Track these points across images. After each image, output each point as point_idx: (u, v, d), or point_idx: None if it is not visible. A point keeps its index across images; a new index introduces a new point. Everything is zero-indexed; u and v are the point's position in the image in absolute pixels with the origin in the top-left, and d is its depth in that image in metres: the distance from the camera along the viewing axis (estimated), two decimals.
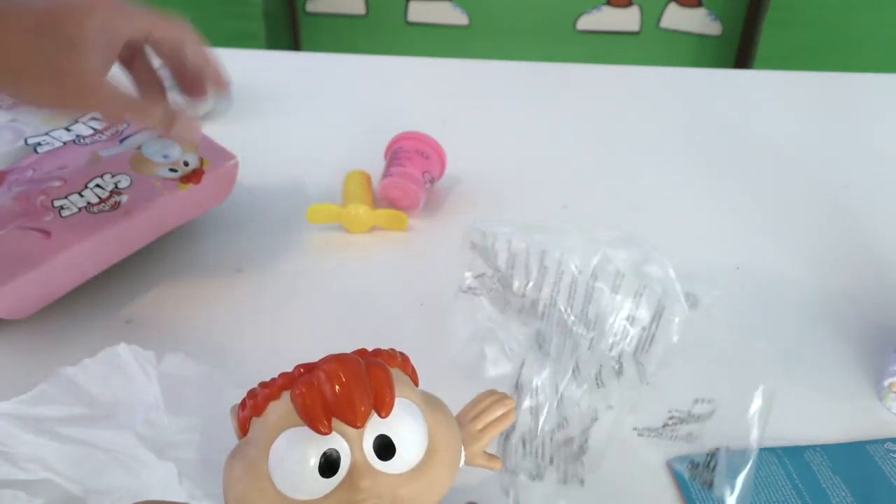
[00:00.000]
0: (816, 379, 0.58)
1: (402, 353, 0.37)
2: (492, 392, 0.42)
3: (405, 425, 0.34)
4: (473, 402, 0.41)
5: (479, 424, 0.40)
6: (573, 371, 0.48)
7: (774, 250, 0.74)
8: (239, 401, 0.35)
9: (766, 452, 0.52)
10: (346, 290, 0.67)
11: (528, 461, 0.47)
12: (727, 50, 1.98)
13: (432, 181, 0.78)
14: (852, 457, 0.53)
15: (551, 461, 0.47)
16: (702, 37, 1.98)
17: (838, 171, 0.88)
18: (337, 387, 0.32)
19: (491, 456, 0.40)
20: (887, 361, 0.58)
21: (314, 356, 0.38)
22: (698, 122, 0.98)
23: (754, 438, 0.47)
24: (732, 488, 0.47)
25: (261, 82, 1.06)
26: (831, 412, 0.51)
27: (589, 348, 0.49)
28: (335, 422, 0.31)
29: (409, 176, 0.75)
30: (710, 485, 0.49)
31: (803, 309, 0.66)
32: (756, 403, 0.47)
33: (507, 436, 0.47)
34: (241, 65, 1.13)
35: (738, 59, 1.97)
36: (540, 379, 0.47)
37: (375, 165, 0.79)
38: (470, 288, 0.53)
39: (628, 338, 0.49)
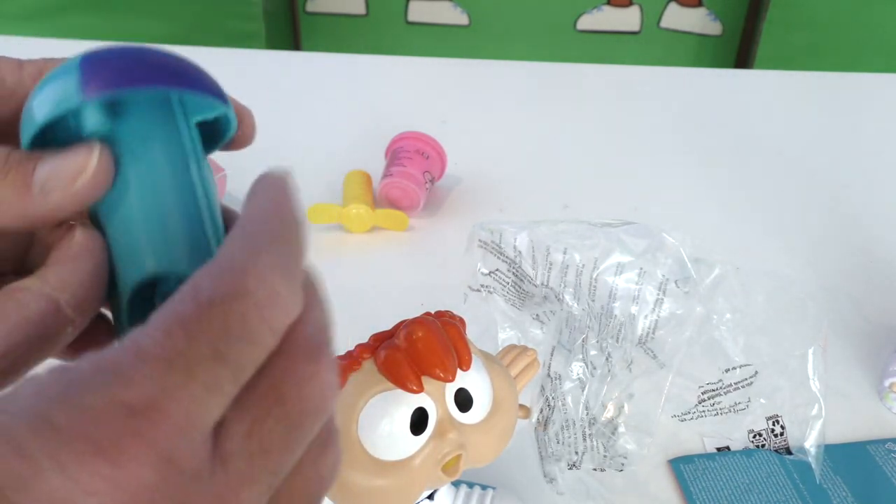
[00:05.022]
0: None
1: (457, 315, 0.39)
2: (513, 346, 0.43)
3: (478, 378, 0.36)
4: (499, 356, 0.42)
5: (511, 374, 0.42)
6: (606, 359, 0.48)
7: (774, 250, 0.74)
8: None
9: (766, 453, 0.52)
10: (346, 290, 0.67)
11: (564, 450, 0.48)
12: (727, 50, 1.98)
13: (432, 181, 0.78)
14: (853, 457, 0.53)
15: (586, 450, 0.48)
16: (702, 37, 1.98)
17: (838, 171, 0.88)
18: (423, 347, 0.34)
19: (522, 405, 0.42)
20: (887, 361, 0.58)
21: None
22: (698, 122, 0.98)
23: (817, 391, 0.49)
24: (813, 446, 0.49)
25: (261, 82, 1.06)
26: (831, 412, 0.51)
27: (612, 338, 0.49)
28: (422, 380, 0.34)
29: (409, 176, 0.75)
30: (787, 450, 0.51)
31: None
32: (810, 359, 0.49)
33: (544, 426, 0.47)
34: (241, 65, 1.13)
35: (738, 59, 1.97)
36: (569, 369, 0.48)
37: (375, 165, 0.79)
38: (483, 286, 0.53)
39: (647, 324, 0.49)
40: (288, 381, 0.16)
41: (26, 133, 0.22)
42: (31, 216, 0.20)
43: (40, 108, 0.21)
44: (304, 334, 0.18)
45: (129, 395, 0.14)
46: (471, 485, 0.44)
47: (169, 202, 0.21)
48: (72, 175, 0.20)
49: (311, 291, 0.19)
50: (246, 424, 0.16)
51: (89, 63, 0.21)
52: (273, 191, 0.19)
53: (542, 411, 0.48)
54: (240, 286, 0.16)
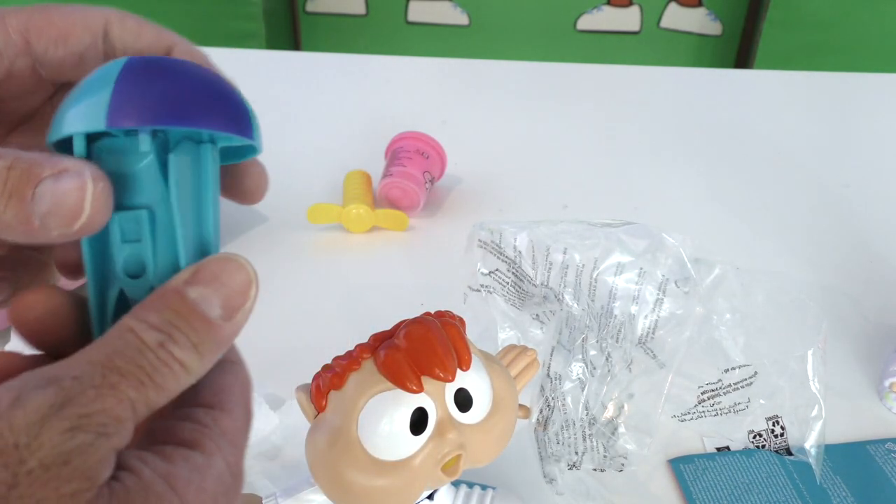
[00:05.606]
0: None
1: (456, 315, 0.39)
2: (513, 346, 0.43)
3: (478, 378, 0.36)
4: (499, 356, 0.42)
5: (511, 374, 0.41)
6: (606, 359, 0.48)
7: (774, 250, 0.74)
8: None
9: (766, 453, 0.52)
10: (346, 290, 0.67)
11: (564, 450, 0.48)
12: (727, 50, 1.98)
13: (432, 181, 0.78)
14: (853, 457, 0.53)
15: (586, 451, 0.48)
16: (702, 37, 1.98)
17: (838, 171, 0.88)
18: (423, 347, 0.34)
19: (522, 405, 0.42)
20: (887, 361, 0.58)
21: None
22: (698, 122, 0.98)
23: (817, 392, 0.49)
24: (813, 447, 0.49)
25: (261, 82, 1.06)
26: (831, 412, 0.51)
27: (612, 338, 0.49)
28: (422, 380, 0.34)
29: (409, 176, 0.75)
30: (787, 451, 0.51)
31: None
32: (809, 360, 0.49)
33: (544, 426, 0.47)
34: (241, 65, 1.13)
35: (738, 59, 1.97)
36: (568, 369, 0.48)
37: (375, 165, 0.79)
38: (483, 286, 0.53)
39: (647, 324, 0.49)
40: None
41: (53, 135, 0.22)
42: (38, 241, 0.21)
43: (69, 122, 0.21)
44: None
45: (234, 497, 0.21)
46: (471, 485, 0.44)
47: (190, 220, 0.23)
48: (69, 217, 0.20)
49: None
50: None
51: (126, 85, 0.21)
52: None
53: (541, 411, 0.48)
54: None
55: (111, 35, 0.24)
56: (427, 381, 0.34)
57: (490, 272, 0.53)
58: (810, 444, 0.50)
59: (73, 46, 0.24)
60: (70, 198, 0.20)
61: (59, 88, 0.26)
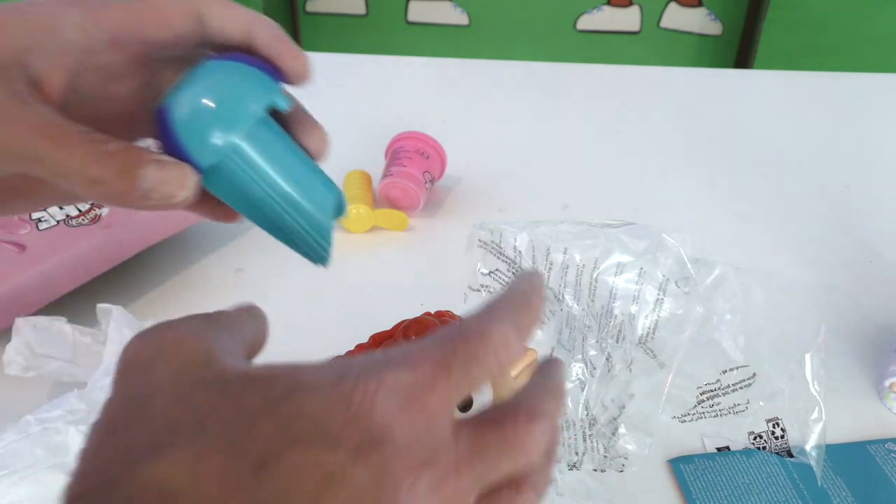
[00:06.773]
0: None
1: (456, 315, 0.38)
2: None
3: None
4: None
5: (512, 373, 0.42)
6: (606, 359, 0.48)
7: (774, 250, 0.74)
8: None
9: (766, 453, 0.52)
10: (346, 290, 0.67)
11: (564, 450, 0.48)
12: (727, 50, 1.98)
13: (432, 181, 0.78)
14: (853, 457, 0.53)
15: (586, 451, 0.48)
16: (702, 37, 1.98)
17: (838, 171, 0.88)
18: None
19: None
20: (887, 361, 0.58)
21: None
22: (698, 122, 0.98)
23: (816, 394, 0.49)
24: (815, 449, 0.49)
25: None
26: (832, 412, 0.51)
27: (612, 338, 0.49)
28: None
29: (409, 176, 0.75)
30: (788, 452, 0.51)
31: None
32: (808, 363, 0.50)
33: None
34: None
35: (738, 59, 1.97)
36: (568, 369, 0.48)
37: (375, 165, 0.79)
38: (483, 286, 0.53)
39: (647, 324, 0.49)
40: (507, 417, 0.23)
41: (242, 121, 0.29)
42: (128, 205, 0.27)
43: (252, 104, 0.29)
44: (532, 398, 0.25)
45: (417, 377, 0.22)
46: None
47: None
48: (170, 193, 0.27)
49: (555, 394, 0.26)
50: (474, 429, 0.23)
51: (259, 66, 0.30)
52: (523, 279, 0.26)
53: None
54: (485, 330, 0.23)
55: (204, 20, 0.30)
56: None
57: (490, 272, 0.53)
58: (811, 446, 0.50)
59: (175, 30, 0.30)
60: (175, 180, 0.27)
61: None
